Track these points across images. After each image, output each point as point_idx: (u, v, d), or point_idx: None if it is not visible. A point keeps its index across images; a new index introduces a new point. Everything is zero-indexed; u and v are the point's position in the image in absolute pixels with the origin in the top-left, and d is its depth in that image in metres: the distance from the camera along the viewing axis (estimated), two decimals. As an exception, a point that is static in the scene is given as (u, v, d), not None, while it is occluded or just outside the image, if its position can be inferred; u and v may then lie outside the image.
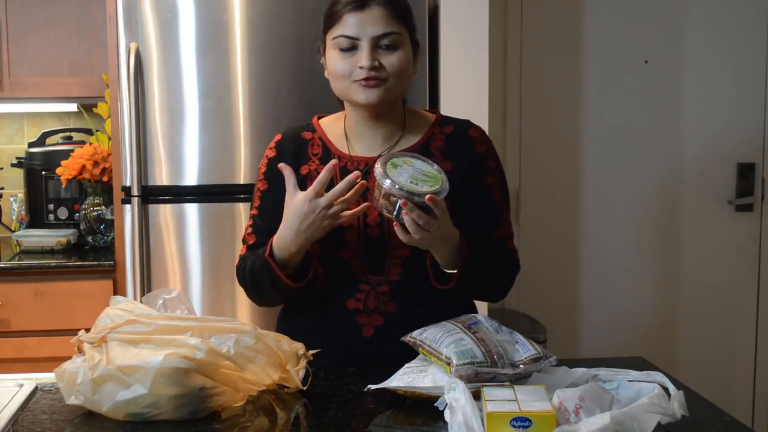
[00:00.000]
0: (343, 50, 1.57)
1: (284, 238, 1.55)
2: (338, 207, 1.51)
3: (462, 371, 1.32)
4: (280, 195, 1.62)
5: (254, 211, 1.71)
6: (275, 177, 1.66)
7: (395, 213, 1.43)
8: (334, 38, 1.59)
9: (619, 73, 3.43)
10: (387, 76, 1.57)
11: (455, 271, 1.56)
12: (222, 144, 2.67)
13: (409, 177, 1.43)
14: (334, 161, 1.54)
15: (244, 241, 1.71)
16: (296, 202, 1.52)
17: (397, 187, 1.41)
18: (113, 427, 1.30)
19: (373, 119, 1.65)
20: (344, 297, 1.63)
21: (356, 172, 1.51)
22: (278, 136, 1.73)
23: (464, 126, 1.70)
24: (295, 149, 1.69)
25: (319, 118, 1.75)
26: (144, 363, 1.29)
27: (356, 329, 1.62)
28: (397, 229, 1.46)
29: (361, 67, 1.56)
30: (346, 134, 1.69)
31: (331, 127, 1.71)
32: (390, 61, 1.57)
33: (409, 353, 1.46)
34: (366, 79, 1.56)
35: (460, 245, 1.53)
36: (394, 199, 1.42)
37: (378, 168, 1.44)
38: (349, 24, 1.56)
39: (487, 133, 1.72)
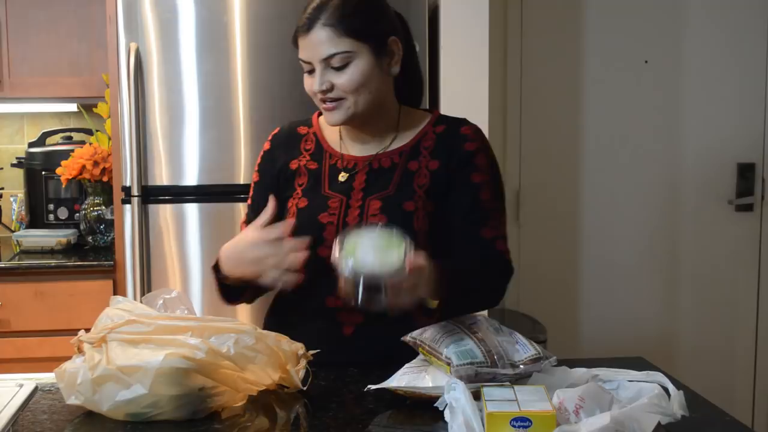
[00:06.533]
0: (307, 72, 1.59)
1: (228, 262, 1.59)
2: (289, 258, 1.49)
3: (462, 371, 1.32)
4: (270, 188, 1.69)
5: (249, 201, 1.76)
6: (266, 170, 1.72)
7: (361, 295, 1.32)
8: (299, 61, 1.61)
9: (619, 73, 3.43)
10: (341, 95, 1.56)
11: (436, 302, 1.51)
12: (222, 144, 2.67)
13: (364, 260, 1.31)
14: (291, 221, 1.55)
15: (240, 227, 1.75)
16: (253, 239, 1.52)
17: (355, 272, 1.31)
18: (113, 427, 1.30)
19: (359, 126, 1.65)
20: (324, 295, 1.62)
21: (306, 242, 1.49)
22: (276, 129, 1.77)
23: (458, 124, 1.67)
24: (288, 143, 1.72)
25: (320, 114, 1.75)
26: (144, 363, 1.28)
27: (336, 327, 1.61)
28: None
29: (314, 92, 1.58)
30: (340, 133, 1.70)
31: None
32: (340, 81, 1.55)
33: (392, 351, 1.44)
34: (322, 101, 1.58)
35: (440, 280, 1.47)
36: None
37: (336, 255, 1.34)
38: (302, 48, 1.58)
39: (482, 131, 1.68)
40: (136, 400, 1.29)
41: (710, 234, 3.50)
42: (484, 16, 2.75)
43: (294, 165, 1.69)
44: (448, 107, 2.73)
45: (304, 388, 1.41)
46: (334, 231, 1.60)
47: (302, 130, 1.73)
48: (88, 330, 1.38)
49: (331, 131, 1.71)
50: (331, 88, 1.56)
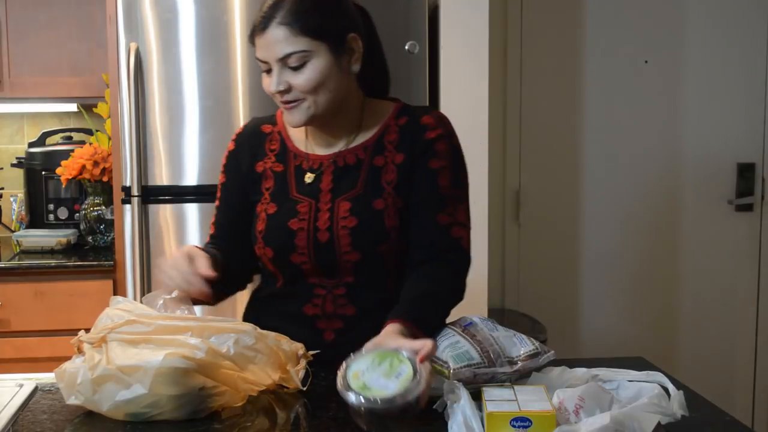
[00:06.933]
0: (264, 72, 1.55)
1: None
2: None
3: (460, 374, 1.32)
4: (235, 190, 1.68)
5: (216, 203, 1.74)
6: (232, 171, 1.69)
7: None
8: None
9: (619, 73, 3.43)
10: (299, 96, 1.52)
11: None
12: (222, 144, 2.63)
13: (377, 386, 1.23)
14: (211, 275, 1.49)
15: (210, 228, 1.74)
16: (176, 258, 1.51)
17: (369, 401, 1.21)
18: (113, 427, 1.30)
19: (322, 125, 1.62)
20: (301, 303, 1.60)
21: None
22: (240, 128, 1.73)
23: (419, 114, 1.62)
24: (253, 144, 1.68)
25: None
26: (144, 363, 1.28)
27: (317, 334, 1.58)
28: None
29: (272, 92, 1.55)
30: (306, 131, 1.66)
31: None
32: (297, 81, 1.51)
33: None
34: (281, 102, 1.55)
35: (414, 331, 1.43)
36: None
37: (341, 390, 1.24)
38: (258, 47, 1.53)
39: (445, 119, 1.63)
40: (136, 400, 1.29)
41: (710, 234, 3.50)
42: (484, 16, 2.75)
43: (260, 168, 1.65)
44: (448, 107, 2.73)
45: (304, 389, 1.41)
46: (305, 237, 1.57)
47: (266, 128, 1.69)
48: (88, 330, 1.38)
49: (296, 129, 1.66)
50: (289, 89, 1.52)
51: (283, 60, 1.50)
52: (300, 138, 1.66)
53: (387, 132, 1.61)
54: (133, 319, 1.35)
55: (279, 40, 1.49)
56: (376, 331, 1.45)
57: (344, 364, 1.27)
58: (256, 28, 1.52)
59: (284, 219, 1.59)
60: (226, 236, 1.70)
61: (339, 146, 1.62)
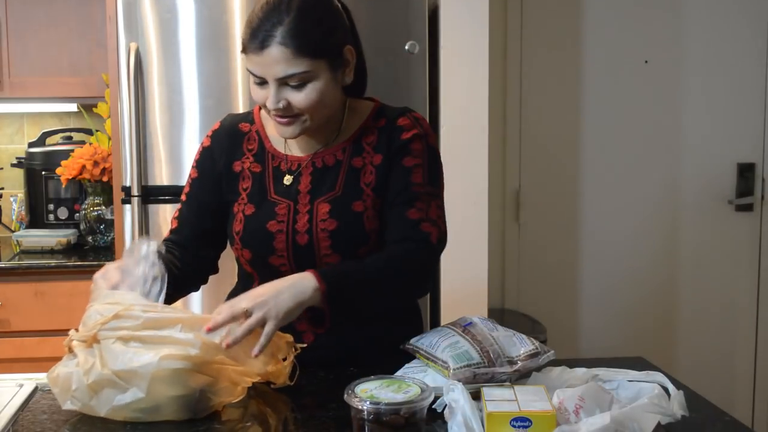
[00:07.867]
0: (257, 83, 1.51)
1: None
2: None
3: (459, 374, 1.32)
4: (208, 187, 1.64)
5: (183, 197, 1.69)
6: (206, 169, 1.65)
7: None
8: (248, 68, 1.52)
9: (619, 73, 3.43)
10: (297, 113, 1.50)
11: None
12: (222, 144, 2.67)
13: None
14: None
15: (171, 222, 1.70)
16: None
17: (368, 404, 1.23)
18: (113, 427, 1.30)
19: (310, 134, 1.59)
20: None
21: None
22: (216, 125, 1.69)
23: (396, 116, 1.61)
24: (230, 143, 1.65)
25: (261, 108, 1.65)
26: (139, 367, 1.27)
27: (297, 336, 1.54)
28: None
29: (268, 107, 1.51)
30: None
31: (271, 120, 1.59)
32: (297, 99, 1.48)
33: (355, 352, 1.39)
34: (276, 116, 1.52)
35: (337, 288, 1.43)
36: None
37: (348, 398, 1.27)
38: (254, 62, 1.48)
39: (421, 119, 1.62)
40: (135, 404, 1.28)
41: (710, 234, 3.50)
42: (484, 16, 2.74)
43: (237, 167, 1.63)
44: (448, 107, 2.73)
45: (292, 383, 1.40)
46: (284, 239, 1.56)
47: (244, 127, 1.66)
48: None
49: (274, 128, 1.61)
50: (288, 106, 1.49)
51: (283, 79, 1.47)
52: (278, 138, 1.62)
53: (365, 133, 1.60)
54: (121, 313, 1.31)
55: (278, 60, 1.45)
56: (356, 332, 1.44)
57: (349, 386, 1.28)
58: (252, 45, 1.47)
59: (263, 221, 1.58)
60: (190, 233, 1.66)
61: (318, 147, 1.61)
